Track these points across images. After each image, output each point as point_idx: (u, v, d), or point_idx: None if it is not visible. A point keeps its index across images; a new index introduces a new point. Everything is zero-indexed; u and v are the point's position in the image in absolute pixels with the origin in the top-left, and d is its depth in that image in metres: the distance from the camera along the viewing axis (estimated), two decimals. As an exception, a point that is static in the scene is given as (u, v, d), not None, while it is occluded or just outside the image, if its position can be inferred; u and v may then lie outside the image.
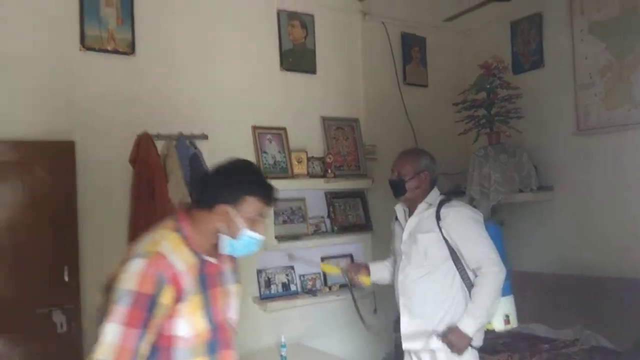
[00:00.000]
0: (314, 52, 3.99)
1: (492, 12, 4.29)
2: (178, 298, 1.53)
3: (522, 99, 3.99)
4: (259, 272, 3.65)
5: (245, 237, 1.64)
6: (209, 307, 1.60)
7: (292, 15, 3.90)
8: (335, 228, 3.91)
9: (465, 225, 2.44)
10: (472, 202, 3.82)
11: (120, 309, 1.45)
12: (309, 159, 3.83)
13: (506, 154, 3.92)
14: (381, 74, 4.30)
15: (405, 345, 2.57)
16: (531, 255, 3.99)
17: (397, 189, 2.55)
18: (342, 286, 3.72)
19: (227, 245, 1.66)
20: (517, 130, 3.95)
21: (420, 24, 4.51)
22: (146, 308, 1.46)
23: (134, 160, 3.17)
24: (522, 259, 3.92)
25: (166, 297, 1.50)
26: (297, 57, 3.91)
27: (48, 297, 2.92)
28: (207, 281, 1.62)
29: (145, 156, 3.15)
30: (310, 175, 3.81)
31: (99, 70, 3.16)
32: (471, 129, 4.07)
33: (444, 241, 2.44)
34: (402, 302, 2.57)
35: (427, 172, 2.53)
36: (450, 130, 4.34)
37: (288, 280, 3.72)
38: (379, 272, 2.80)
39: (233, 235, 1.63)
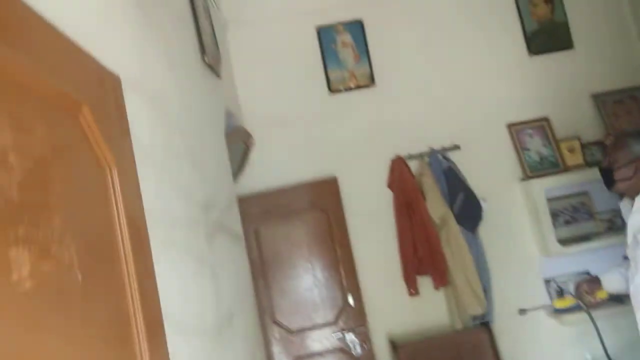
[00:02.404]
0: (566, 24, 3.48)
1: None
2: None
3: None
4: (547, 281, 3.26)
5: None
6: None
7: (533, -7, 3.50)
8: (636, 221, 3.24)
9: None
10: None
11: None
12: (583, 146, 3.31)
13: None
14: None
15: None
16: None
17: (605, 178, 2.10)
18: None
19: None
20: None
21: None
22: None
23: (391, 184, 3.27)
24: None
25: None
26: (546, 35, 3.46)
27: (340, 322, 3.20)
28: None
29: (400, 179, 3.22)
30: (589, 164, 3.27)
31: (346, 107, 3.39)
32: None
33: None
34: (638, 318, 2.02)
35: None
36: None
37: (582, 288, 3.22)
38: (615, 282, 2.27)
39: None
